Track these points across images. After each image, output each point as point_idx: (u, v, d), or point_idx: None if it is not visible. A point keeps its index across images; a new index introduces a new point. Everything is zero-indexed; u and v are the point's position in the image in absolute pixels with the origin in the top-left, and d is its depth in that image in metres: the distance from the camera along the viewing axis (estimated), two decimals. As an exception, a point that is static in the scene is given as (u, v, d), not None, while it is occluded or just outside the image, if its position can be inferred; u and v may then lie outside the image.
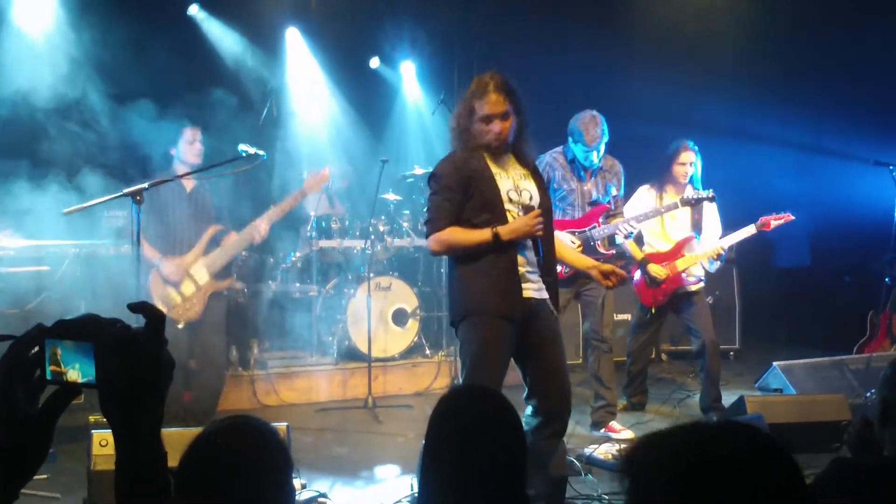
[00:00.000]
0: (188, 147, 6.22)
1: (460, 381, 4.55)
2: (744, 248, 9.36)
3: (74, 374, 1.47)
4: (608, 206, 6.26)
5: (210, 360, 6.39)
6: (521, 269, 4.29)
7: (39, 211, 5.85)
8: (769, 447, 1.54)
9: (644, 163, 6.92)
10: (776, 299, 10.42)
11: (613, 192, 6.29)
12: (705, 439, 1.55)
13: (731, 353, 9.39)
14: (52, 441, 1.49)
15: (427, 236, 4.34)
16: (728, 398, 6.62)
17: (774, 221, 6.57)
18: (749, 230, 6.60)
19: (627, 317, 9.10)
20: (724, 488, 1.46)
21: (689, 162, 6.62)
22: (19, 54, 6.91)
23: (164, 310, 5.80)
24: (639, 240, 6.77)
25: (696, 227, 6.69)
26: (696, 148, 6.69)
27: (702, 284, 6.75)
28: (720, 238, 6.69)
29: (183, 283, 6.16)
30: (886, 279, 7.57)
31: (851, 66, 9.63)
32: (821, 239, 10.71)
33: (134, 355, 1.45)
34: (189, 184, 6.30)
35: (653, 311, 6.83)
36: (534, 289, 4.33)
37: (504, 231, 4.18)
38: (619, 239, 6.32)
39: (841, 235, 10.22)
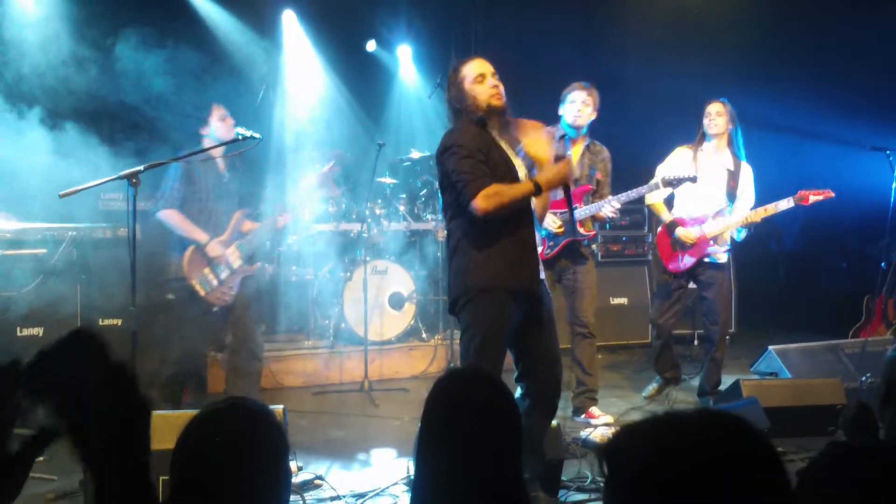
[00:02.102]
0: (221, 124, 6.09)
1: (457, 364, 4.54)
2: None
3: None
4: (590, 186, 6.24)
5: (246, 346, 6.18)
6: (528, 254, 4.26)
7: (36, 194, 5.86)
8: (744, 435, 1.54)
9: (639, 144, 6.91)
10: (772, 284, 10.45)
11: (598, 176, 6.27)
12: (676, 429, 1.55)
13: (728, 336, 9.39)
14: (24, 482, 1.45)
15: (470, 199, 4.04)
16: (724, 382, 6.63)
17: (813, 196, 6.36)
18: (787, 202, 6.38)
19: (624, 301, 9.15)
20: (695, 478, 1.46)
21: (716, 112, 6.47)
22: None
23: (202, 292, 5.92)
24: (668, 203, 6.68)
25: (731, 194, 6.51)
26: (727, 101, 6.54)
27: (728, 257, 6.62)
28: (752, 209, 6.51)
29: (220, 266, 6.04)
30: (882, 263, 7.56)
31: (848, 50, 9.62)
32: (817, 224, 10.72)
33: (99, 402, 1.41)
34: (222, 164, 6.17)
35: (673, 276, 6.64)
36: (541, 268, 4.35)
37: (542, 181, 4.10)
38: (649, 199, 6.33)
39: (837, 220, 10.23)
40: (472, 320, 4.18)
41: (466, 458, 2.31)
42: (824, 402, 5.84)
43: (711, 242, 6.51)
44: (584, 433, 5.70)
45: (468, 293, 4.18)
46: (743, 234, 6.64)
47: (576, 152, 6.26)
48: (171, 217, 5.98)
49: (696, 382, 7.04)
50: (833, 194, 6.42)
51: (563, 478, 4.76)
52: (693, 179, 6.19)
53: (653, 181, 6.28)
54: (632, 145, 6.85)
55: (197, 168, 5.98)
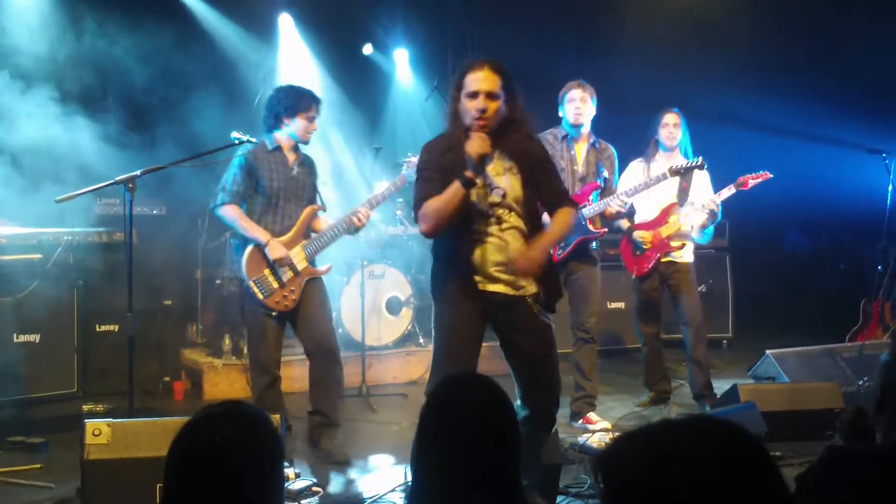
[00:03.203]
0: (305, 124, 5.61)
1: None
2: (736, 236, 9.40)
3: None
4: (598, 184, 6.24)
5: (322, 352, 5.64)
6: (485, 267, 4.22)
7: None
8: (739, 441, 1.54)
9: (636, 148, 6.92)
10: (769, 287, 10.43)
11: (605, 173, 6.28)
12: (671, 436, 1.56)
13: (724, 341, 9.41)
14: None
15: (418, 224, 4.20)
16: (721, 386, 6.63)
17: (752, 180, 6.59)
18: (728, 190, 6.63)
19: (621, 305, 9.13)
20: (691, 484, 1.46)
21: (673, 123, 6.65)
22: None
23: (259, 295, 5.44)
24: (631, 215, 6.76)
25: (683, 195, 6.65)
26: (679, 112, 6.72)
27: (689, 253, 6.73)
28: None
29: (282, 268, 5.53)
30: (879, 267, 7.57)
31: (844, 53, 9.62)
32: (814, 226, 10.73)
33: None
34: (291, 156, 5.67)
35: (638, 281, 6.83)
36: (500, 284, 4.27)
37: (470, 174, 4.04)
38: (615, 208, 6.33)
39: (834, 223, 10.24)
40: (433, 322, 4.38)
41: (463, 464, 2.30)
42: (822, 406, 5.83)
43: (667, 241, 6.65)
44: (581, 438, 5.69)
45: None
46: (710, 235, 6.83)
47: (579, 151, 6.26)
48: (229, 213, 5.51)
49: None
50: (770, 175, 6.62)
51: (561, 483, 4.74)
52: (701, 166, 6.39)
53: (660, 173, 6.41)
54: (632, 149, 6.84)
55: (263, 161, 5.57)
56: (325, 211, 5.88)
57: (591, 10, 10.31)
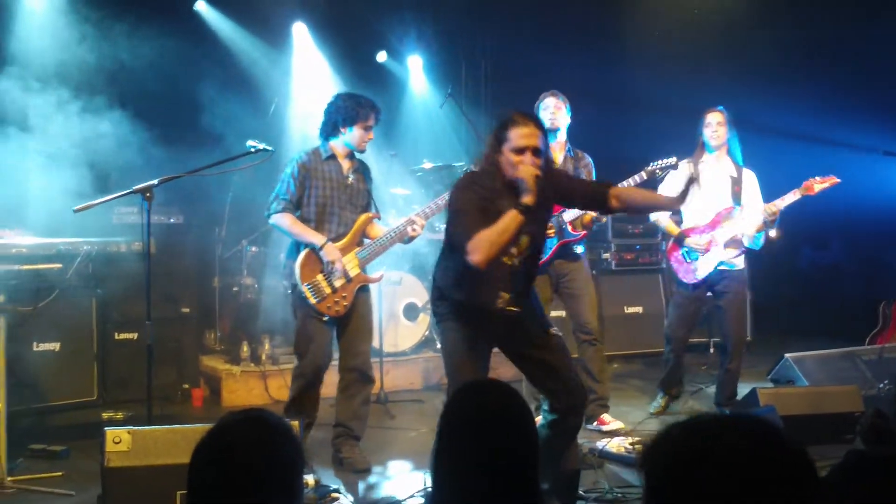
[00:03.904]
0: (361, 133, 5.57)
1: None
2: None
3: None
4: None
5: (354, 365, 5.67)
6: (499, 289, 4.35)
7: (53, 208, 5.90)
8: (778, 439, 1.56)
9: (646, 154, 6.90)
10: (787, 291, 10.39)
11: (584, 178, 6.27)
12: (715, 432, 1.57)
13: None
14: None
15: (465, 254, 4.10)
16: (740, 390, 6.60)
17: (819, 185, 6.27)
18: (793, 195, 6.30)
19: (639, 309, 9.11)
20: (730, 480, 1.48)
21: (717, 122, 6.46)
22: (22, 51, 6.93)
23: (311, 300, 5.41)
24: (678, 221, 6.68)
25: (736, 199, 6.46)
26: (724, 110, 6.53)
27: (742, 259, 6.53)
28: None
29: (335, 273, 5.49)
30: (899, 269, 7.53)
31: (860, 55, 9.59)
32: (832, 230, 10.68)
33: None
34: (346, 164, 5.65)
35: (691, 288, 6.57)
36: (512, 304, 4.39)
37: (528, 200, 4.08)
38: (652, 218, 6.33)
39: (852, 226, 10.19)
40: (441, 341, 4.62)
41: (482, 470, 2.30)
42: (841, 409, 5.80)
43: (723, 248, 6.45)
44: (600, 443, 5.68)
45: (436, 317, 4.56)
46: (761, 241, 6.53)
47: (556, 159, 6.22)
48: (283, 220, 5.49)
49: (712, 391, 7.01)
50: (838, 180, 6.34)
51: (580, 488, 4.74)
52: (674, 166, 5.88)
53: (637, 175, 6.08)
54: (641, 155, 6.80)
55: (317, 169, 5.56)
56: (380, 219, 5.87)
57: (606, 15, 10.30)
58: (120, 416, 6.78)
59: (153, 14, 7.30)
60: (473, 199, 4.20)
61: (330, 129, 5.62)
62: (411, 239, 5.70)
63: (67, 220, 5.84)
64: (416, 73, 10.57)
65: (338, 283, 5.50)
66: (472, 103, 10.27)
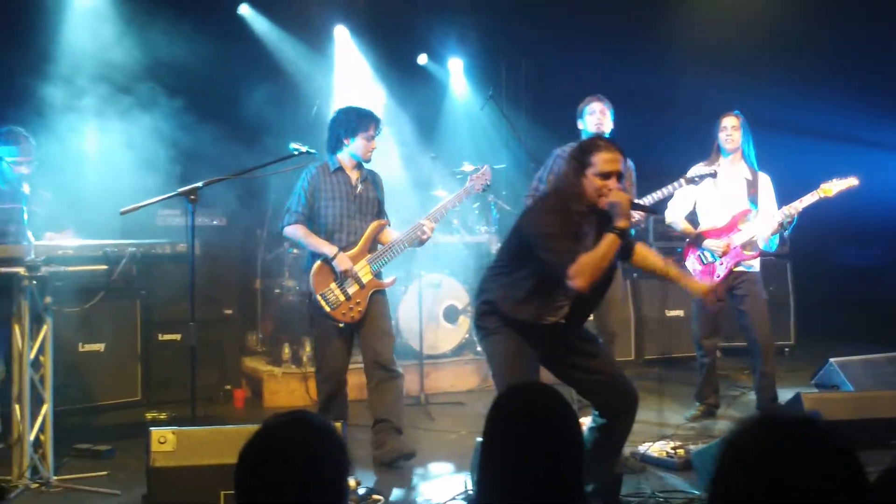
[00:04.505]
0: (365, 143, 5.78)
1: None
2: (797, 243, 9.25)
3: None
4: None
5: (379, 364, 5.74)
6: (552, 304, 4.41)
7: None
8: (832, 442, 1.62)
9: (688, 158, 6.86)
10: (831, 294, 10.26)
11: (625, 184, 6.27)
12: (780, 434, 1.63)
13: (786, 349, 9.28)
14: None
15: (566, 279, 4.13)
16: (784, 395, 6.53)
17: (837, 187, 6.31)
18: (811, 197, 6.34)
19: (680, 313, 9.04)
20: (796, 482, 1.55)
21: (731, 126, 6.52)
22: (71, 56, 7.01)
23: (326, 308, 5.59)
24: (693, 223, 6.69)
25: (753, 202, 6.53)
26: (740, 114, 6.56)
27: (758, 261, 6.57)
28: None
29: (347, 281, 5.66)
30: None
31: (882, 53, 9.47)
32: (877, 230, 10.52)
33: None
34: (354, 175, 5.84)
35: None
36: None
37: (623, 224, 4.18)
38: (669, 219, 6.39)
39: (886, 226, 10.06)
40: (489, 354, 4.61)
41: (527, 472, 2.30)
42: (888, 414, 5.70)
43: (740, 250, 6.49)
44: (642, 447, 5.64)
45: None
46: (776, 244, 6.65)
47: None
48: (296, 231, 5.71)
49: (753, 396, 6.95)
50: (857, 182, 6.35)
51: (623, 493, 4.72)
52: (713, 175, 6.27)
53: (676, 182, 6.32)
54: (679, 160, 6.76)
55: (325, 182, 5.76)
56: (389, 225, 6.01)
57: (647, 18, 10.25)
58: (163, 416, 6.85)
59: (196, 17, 7.35)
60: (564, 223, 4.24)
61: (335, 142, 5.82)
62: (422, 242, 5.89)
63: (112, 222, 5.93)
64: (456, 75, 10.58)
65: (351, 291, 5.67)
66: (512, 105, 10.27)
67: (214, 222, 7.77)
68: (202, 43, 7.13)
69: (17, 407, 5.19)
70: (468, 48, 10.35)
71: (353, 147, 5.77)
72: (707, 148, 6.69)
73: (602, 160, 4.20)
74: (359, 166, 5.87)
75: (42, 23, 7.07)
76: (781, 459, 1.63)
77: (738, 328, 6.80)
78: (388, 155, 8.80)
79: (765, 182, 6.59)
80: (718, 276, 6.53)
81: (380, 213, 5.96)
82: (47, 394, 5.27)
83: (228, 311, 7.88)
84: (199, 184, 5.10)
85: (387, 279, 5.89)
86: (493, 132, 10.01)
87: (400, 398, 5.84)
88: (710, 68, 9.84)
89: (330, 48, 9.52)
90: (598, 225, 4.28)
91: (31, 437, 5.17)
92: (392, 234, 5.93)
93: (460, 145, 9.82)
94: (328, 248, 5.64)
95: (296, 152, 5.64)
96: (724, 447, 1.74)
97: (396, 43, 9.81)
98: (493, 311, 4.46)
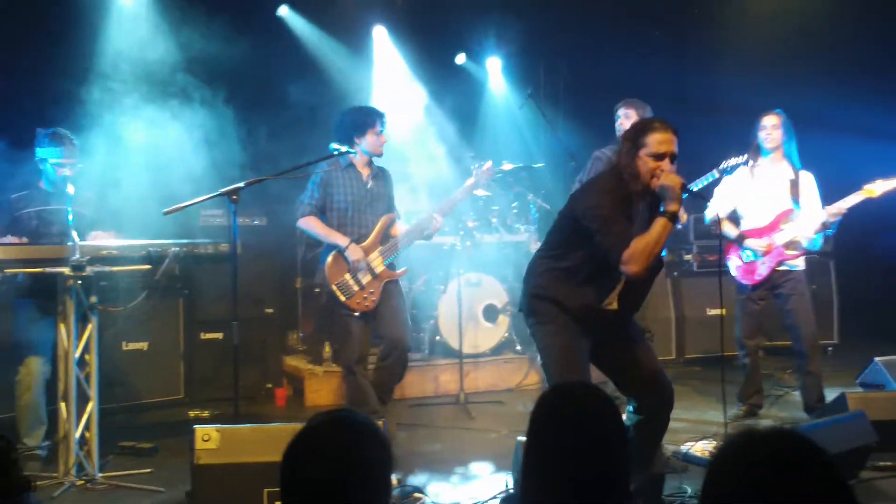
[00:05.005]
0: (375, 139, 6.04)
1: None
2: (841, 241, 9.14)
3: None
4: None
5: (395, 353, 6.03)
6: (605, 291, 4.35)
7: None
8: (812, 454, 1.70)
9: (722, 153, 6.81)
10: (875, 292, 10.12)
11: None
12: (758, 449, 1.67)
13: (830, 348, 9.16)
14: None
15: (619, 264, 4.08)
16: (828, 395, 6.44)
17: (881, 187, 6.20)
18: (856, 197, 6.24)
19: (721, 311, 8.95)
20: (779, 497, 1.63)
21: (771, 125, 6.44)
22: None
23: (342, 297, 5.89)
24: (736, 220, 6.64)
25: (795, 201, 6.45)
26: (781, 113, 6.48)
27: (802, 260, 6.51)
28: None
29: (361, 271, 5.97)
30: None
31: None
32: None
33: None
34: (365, 171, 6.13)
35: (750, 289, 6.56)
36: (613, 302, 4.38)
37: (674, 207, 4.08)
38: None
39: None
40: (540, 344, 4.45)
41: (573, 473, 2.29)
42: (935, 414, 5.63)
43: (782, 250, 6.43)
44: (684, 447, 5.61)
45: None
46: (820, 242, 6.54)
47: None
48: (309, 223, 6.04)
49: (797, 395, 6.88)
50: None
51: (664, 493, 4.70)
52: (745, 163, 6.30)
53: (709, 173, 6.38)
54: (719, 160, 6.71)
55: (336, 177, 6.04)
56: (400, 218, 6.37)
57: (685, 16, 10.19)
58: (206, 414, 6.91)
59: (235, 19, 7.39)
60: (618, 204, 4.16)
61: (345, 141, 6.02)
62: (431, 235, 6.34)
63: (155, 223, 5.98)
64: (494, 74, 10.56)
65: (364, 280, 5.99)
66: (550, 104, 10.23)
67: (255, 222, 7.84)
68: (242, 44, 7.17)
69: (62, 405, 5.27)
70: (507, 48, 10.33)
71: (365, 144, 6.05)
72: (747, 147, 6.63)
73: (655, 141, 4.11)
74: (370, 163, 6.15)
75: (85, 25, 7.14)
76: (764, 475, 1.68)
77: (782, 327, 6.72)
78: (429, 154, 8.82)
79: (808, 181, 6.51)
80: (760, 276, 6.50)
81: (390, 207, 6.25)
82: (93, 392, 5.34)
83: (269, 310, 7.94)
84: (241, 184, 5.15)
85: (399, 270, 6.21)
86: (532, 131, 10.00)
87: (398, 380, 6.23)
88: (751, 66, 9.75)
89: (369, 48, 9.55)
90: (652, 207, 4.19)
91: (77, 435, 5.25)
92: (402, 227, 6.28)
93: (499, 144, 9.81)
94: (341, 239, 5.96)
95: (336, 152, 5.84)
96: (710, 465, 1.82)
97: (435, 42, 9.81)
98: (545, 298, 4.36)
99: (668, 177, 4.08)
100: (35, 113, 6.36)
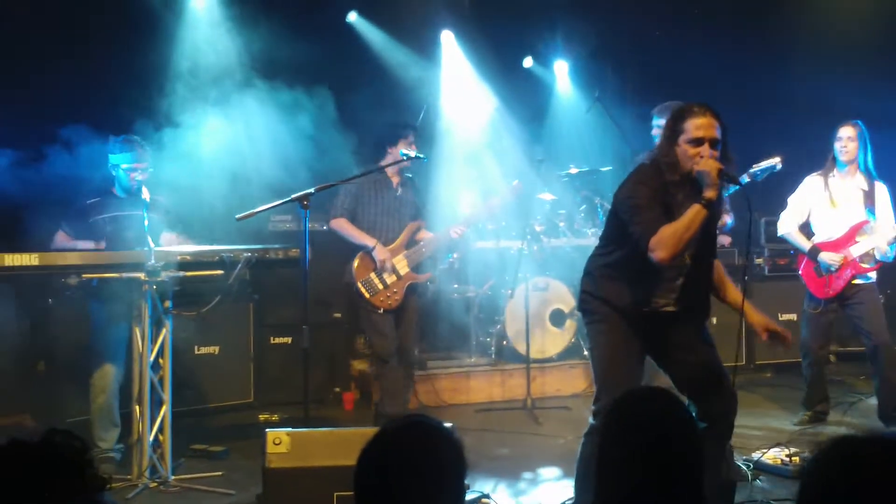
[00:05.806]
0: (408, 148, 6.38)
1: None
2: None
3: None
4: None
5: (402, 359, 6.50)
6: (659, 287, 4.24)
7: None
8: None
9: (804, 157, 6.69)
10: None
11: None
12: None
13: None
14: None
15: (647, 251, 3.95)
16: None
17: None
18: None
19: (793, 317, 8.81)
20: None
21: (847, 137, 6.35)
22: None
23: (366, 294, 6.29)
24: (806, 229, 6.54)
25: (871, 212, 6.38)
26: (859, 124, 6.37)
27: (874, 274, 6.43)
28: None
29: (386, 272, 6.37)
30: None
31: None
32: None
33: None
34: (395, 179, 6.53)
35: (823, 303, 6.48)
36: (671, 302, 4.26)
37: (710, 194, 3.94)
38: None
39: None
40: (591, 343, 4.44)
41: (648, 479, 2.27)
42: None
43: (858, 262, 6.35)
44: (756, 454, 5.53)
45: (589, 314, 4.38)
46: (894, 253, 6.40)
47: None
48: (340, 225, 6.44)
49: (872, 402, 6.74)
50: None
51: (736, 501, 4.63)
52: (774, 167, 5.93)
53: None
54: (796, 162, 6.58)
55: (367, 185, 6.37)
56: (426, 226, 6.73)
57: (757, 14, 10.02)
58: (276, 417, 6.98)
59: (306, 24, 7.47)
60: (653, 194, 4.05)
61: (378, 151, 6.50)
62: (456, 245, 6.94)
63: (225, 227, 6.06)
64: (562, 77, 10.52)
65: (389, 280, 6.40)
66: (618, 107, 10.15)
67: (323, 227, 7.89)
68: (312, 51, 7.22)
69: (136, 408, 5.37)
70: (574, 51, 10.28)
71: (397, 154, 6.37)
72: (825, 148, 6.52)
73: (693, 126, 4.00)
74: (399, 172, 6.54)
75: (159, 32, 7.25)
76: (863, 480, 1.64)
77: (854, 333, 6.60)
78: (494, 157, 8.80)
79: (882, 192, 6.41)
80: (834, 291, 6.43)
81: (417, 214, 6.67)
82: (166, 395, 5.43)
83: (337, 315, 7.99)
84: (312, 189, 5.20)
85: (423, 274, 6.63)
86: (600, 134, 9.92)
87: (407, 395, 6.70)
88: (827, 66, 9.55)
89: (437, 53, 9.56)
90: (695, 196, 4.02)
91: (151, 438, 5.34)
92: (427, 234, 6.67)
93: (567, 147, 9.76)
94: (369, 240, 6.39)
95: (405, 157, 5.93)
96: (808, 468, 1.77)
97: (502, 46, 9.79)
98: (596, 297, 4.30)
99: (705, 162, 3.95)
100: (111, 121, 6.45)
